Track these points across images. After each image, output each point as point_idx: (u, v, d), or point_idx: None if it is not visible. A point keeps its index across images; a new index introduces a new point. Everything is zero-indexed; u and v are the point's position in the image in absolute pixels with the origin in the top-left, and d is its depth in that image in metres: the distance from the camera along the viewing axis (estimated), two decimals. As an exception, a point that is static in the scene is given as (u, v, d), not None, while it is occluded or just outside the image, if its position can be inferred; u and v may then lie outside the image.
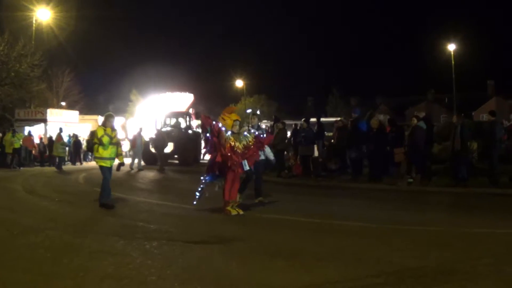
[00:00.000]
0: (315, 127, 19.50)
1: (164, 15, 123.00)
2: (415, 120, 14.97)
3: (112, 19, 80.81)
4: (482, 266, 6.01)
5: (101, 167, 11.12)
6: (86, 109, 49.00)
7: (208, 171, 10.39)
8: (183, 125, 28.87)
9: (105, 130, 10.95)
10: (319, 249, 7.08)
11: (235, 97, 69.94)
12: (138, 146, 23.94)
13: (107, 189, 11.10)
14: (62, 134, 26.02)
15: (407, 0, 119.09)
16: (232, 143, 9.96)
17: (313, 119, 21.09)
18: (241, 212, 9.98)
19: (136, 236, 8.14)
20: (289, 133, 20.06)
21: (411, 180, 14.73)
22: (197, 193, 10.24)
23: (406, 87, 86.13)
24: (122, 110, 52.88)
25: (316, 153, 19.03)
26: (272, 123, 22.42)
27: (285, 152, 19.99)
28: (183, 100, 31.13)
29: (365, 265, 6.11)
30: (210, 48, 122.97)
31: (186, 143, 27.13)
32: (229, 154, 9.86)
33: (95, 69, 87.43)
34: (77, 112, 37.95)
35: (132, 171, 22.75)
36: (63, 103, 49.91)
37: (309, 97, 76.51)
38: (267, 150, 11.82)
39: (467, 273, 5.77)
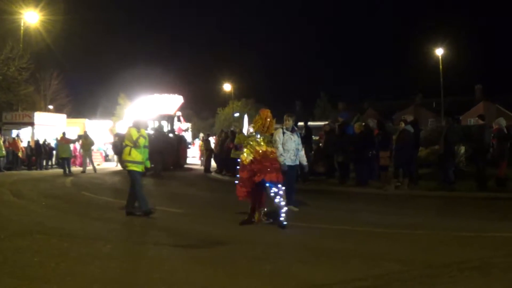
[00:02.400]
0: (303, 131, 19.49)
1: (153, 18, 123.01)
2: (402, 124, 15.04)
3: (100, 23, 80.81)
4: (468, 270, 6.06)
5: (132, 172, 10.34)
6: (74, 113, 48.78)
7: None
8: (165, 128, 28.45)
9: (139, 131, 10.36)
10: (305, 253, 7.10)
11: (223, 100, 70.08)
12: None
13: (142, 196, 10.32)
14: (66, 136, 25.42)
15: (395, 4, 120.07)
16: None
17: (300, 123, 21.07)
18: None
19: (123, 240, 8.13)
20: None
21: (398, 184, 14.78)
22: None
23: (394, 91, 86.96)
24: (110, 113, 52.70)
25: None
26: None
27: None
28: (172, 102, 30.71)
29: (352, 269, 6.14)
30: (198, 52, 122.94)
31: (164, 147, 26.35)
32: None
33: (83, 72, 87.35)
34: (64, 116, 37.71)
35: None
36: (51, 107, 49.64)
37: (297, 101, 76.72)
38: (301, 153, 10.87)
39: (454, 276, 5.80)
